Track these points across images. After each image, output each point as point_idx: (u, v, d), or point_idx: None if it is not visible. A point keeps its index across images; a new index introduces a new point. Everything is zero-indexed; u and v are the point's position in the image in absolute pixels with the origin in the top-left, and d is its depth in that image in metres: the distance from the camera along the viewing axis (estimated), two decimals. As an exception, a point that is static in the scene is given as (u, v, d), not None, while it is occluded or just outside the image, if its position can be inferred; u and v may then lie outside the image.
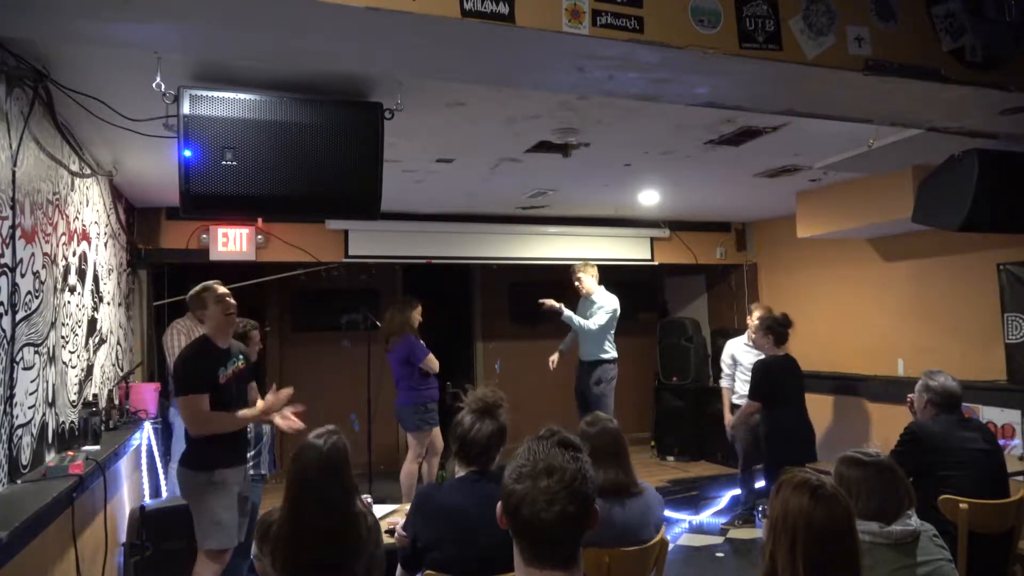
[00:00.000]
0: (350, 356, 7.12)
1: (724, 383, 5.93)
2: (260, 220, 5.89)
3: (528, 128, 3.86)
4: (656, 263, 7.38)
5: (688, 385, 7.81)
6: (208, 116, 2.78)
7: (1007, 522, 3.14)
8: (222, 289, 3.67)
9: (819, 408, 6.14)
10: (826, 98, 3.14)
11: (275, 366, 7.37)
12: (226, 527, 3.41)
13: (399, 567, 2.44)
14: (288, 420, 3.62)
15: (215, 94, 2.80)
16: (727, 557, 5.07)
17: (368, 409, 6.04)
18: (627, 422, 7.67)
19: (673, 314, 8.62)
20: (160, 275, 6.03)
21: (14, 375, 2.51)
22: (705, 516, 5.98)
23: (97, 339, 4.08)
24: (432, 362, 5.53)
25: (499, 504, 1.43)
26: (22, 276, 2.63)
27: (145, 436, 4.66)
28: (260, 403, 3.65)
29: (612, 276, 6.94)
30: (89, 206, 3.92)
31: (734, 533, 5.52)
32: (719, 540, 5.39)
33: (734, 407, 5.74)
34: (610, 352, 5.77)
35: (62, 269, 3.28)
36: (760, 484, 5.70)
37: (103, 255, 4.30)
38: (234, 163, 2.80)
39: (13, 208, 2.55)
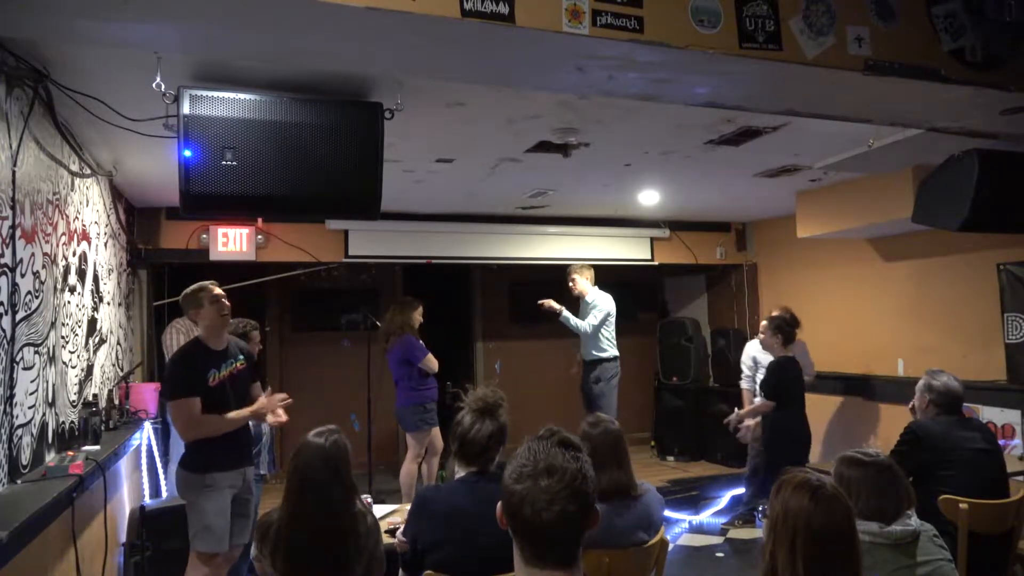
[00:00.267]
0: (350, 356, 7.12)
1: (744, 384, 5.97)
2: (260, 220, 5.89)
3: (528, 128, 3.86)
4: (656, 263, 7.38)
5: (688, 385, 7.81)
6: (208, 116, 2.78)
7: (1007, 522, 3.14)
8: (217, 289, 3.66)
9: (819, 408, 6.15)
10: (826, 98, 3.14)
11: (275, 366, 7.37)
12: (215, 532, 3.39)
13: (400, 570, 2.44)
14: (275, 415, 3.63)
15: (215, 94, 2.80)
16: (727, 557, 5.07)
17: (368, 409, 6.04)
18: (627, 422, 7.65)
19: (673, 314, 8.62)
20: (160, 275, 6.03)
21: (14, 375, 2.51)
22: (705, 516, 5.98)
23: (97, 339, 4.08)
24: (431, 362, 5.53)
25: (499, 504, 1.43)
26: (22, 276, 2.63)
27: (145, 436, 4.66)
28: (251, 407, 3.66)
29: (612, 276, 6.96)
30: (89, 206, 3.92)
31: (734, 533, 5.52)
32: (719, 540, 5.39)
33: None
34: (608, 351, 5.83)
35: (62, 269, 3.28)
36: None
37: (103, 255, 4.30)
38: (234, 163, 2.80)
39: (13, 208, 2.55)
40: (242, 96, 2.84)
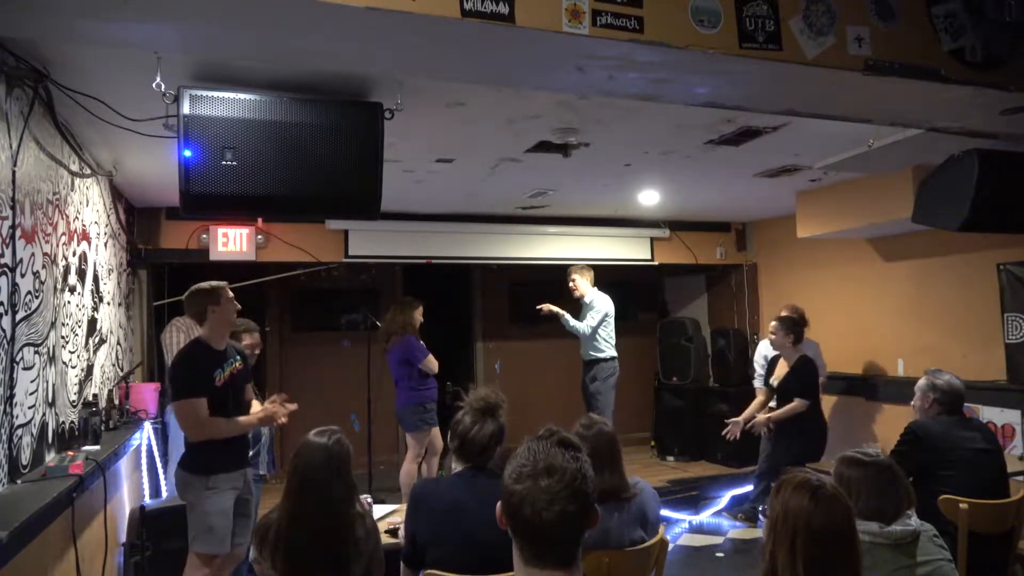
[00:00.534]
0: (350, 356, 7.12)
1: (758, 383, 6.01)
2: (260, 220, 5.89)
3: (528, 128, 3.86)
4: (656, 263, 7.38)
5: (688, 385, 7.81)
6: (208, 116, 2.78)
7: (1007, 522, 3.14)
8: (230, 290, 3.69)
9: (819, 408, 6.14)
10: (826, 98, 3.14)
11: (275, 366, 7.36)
12: (217, 533, 3.39)
13: (402, 567, 2.44)
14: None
15: (215, 94, 2.80)
16: (727, 557, 5.08)
17: (368, 409, 6.04)
18: (627, 422, 7.72)
19: (673, 314, 8.61)
20: (160, 275, 6.03)
21: (14, 375, 2.51)
22: (705, 516, 5.99)
23: (97, 339, 4.08)
24: (431, 363, 5.53)
25: (499, 504, 1.43)
26: (22, 276, 2.63)
27: (145, 436, 4.66)
28: (257, 407, 3.65)
29: (612, 276, 6.97)
30: (89, 206, 3.92)
31: (734, 533, 5.52)
32: (719, 540, 5.39)
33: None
34: (606, 351, 5.90)
35: (62, 269, 3.28)
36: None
37: (103, 255, 4.30)
38: (234, 163, 2.80)
39: (13, 208, 2.55)
40: (242, 96, 2.84)
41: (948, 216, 4.11)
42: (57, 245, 3.19)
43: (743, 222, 7.72)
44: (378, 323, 5.90)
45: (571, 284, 6.02)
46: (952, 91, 2.99)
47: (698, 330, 7.95)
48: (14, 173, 2.56)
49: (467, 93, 3.26)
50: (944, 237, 5.24)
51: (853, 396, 6.36)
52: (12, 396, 2.49)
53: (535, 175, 5.01)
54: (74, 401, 3.46)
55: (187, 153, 2.76)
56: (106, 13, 2.15)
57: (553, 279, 6.47)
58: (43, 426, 2.90)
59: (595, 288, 6.03)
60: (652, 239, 7.31)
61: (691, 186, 5.59)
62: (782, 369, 5.35)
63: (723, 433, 5.38)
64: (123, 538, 4.13)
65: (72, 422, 3.39)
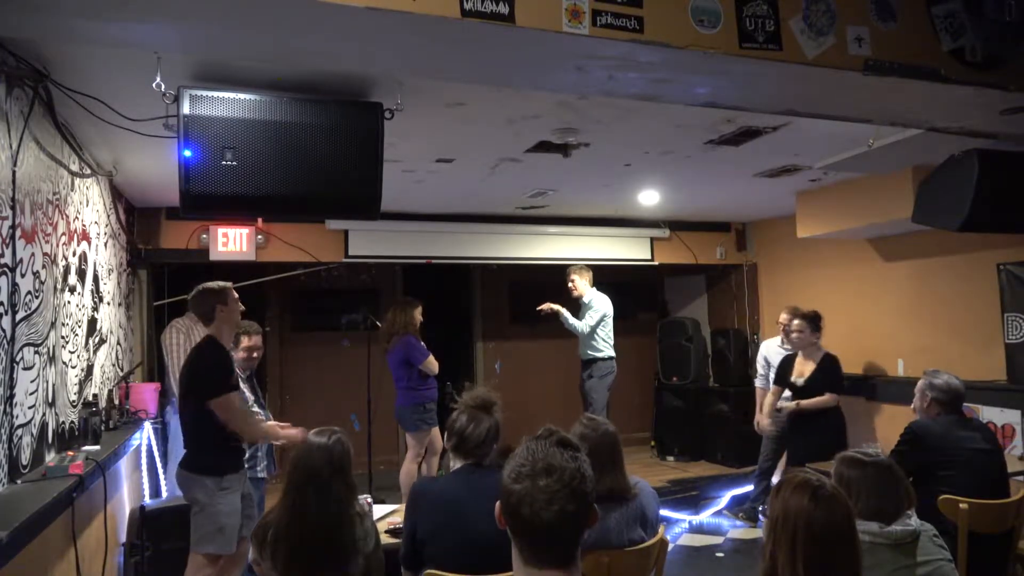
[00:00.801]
0: (350, 356, 7.12)
1: (759, 383, 6.04)
2: (260, 220, 5.89)
3: (528, 128, 3.86)
4: (656, 263, 7.38)
5: (688, 385, 7.81)
6: (208, 116, 2.78)
7: (1007, 522, 3.14)
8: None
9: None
10: (826, 98, 3.13)
11: (275, 366, 7.37)
12: (227, 533, 3.42)
13: (403, 568, 2.45)
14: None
15: (215, 94, 2.80)
16: (727, 557, 5.08)
17: (368, 409, 6.04)
18: (627, 422, 7.71)
19: (673, 314, 8.61)
20: (160, 275, 6.03)
21: (14, 375, 2.51)
22: (705, 516, 5.99)
23: (97, 339, 4.08)
24: (431, 364, 5.53)
25: (498, 504, 1.43)
26: (22, 276, 2.63)
27: (145, 436, 4.67)
28: (290, 430, 3.72)
29: (612, 276, 6.97)
30: (89, 206, 3.92)
31: (734, 533, 5.52)
32: (719, 540, 5.39)
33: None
34: (603, 351, 5.93)
35: (62, 269, 3.28)
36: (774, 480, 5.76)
37: (103, 255, 4.30)
38: (234, 163, 2.80)
39: (13, 208, 2.55)
40: (242, 96, 2.84)
41: (948, 216, 4.11)
42: (57, 245, 3.19)
43: (743, 222, 7.71)
44: (378, 323, 5.90)
45: (570, 284, 6.06)
46: (952, 91, 2.99)
47: (698, 330, 7.95)
48: (14, 173, 2.56)
49: (467, 93, 3.26)
50: (944, 237, 5.24)
51: (853, 396, 6.33)
52: (12, 396, 2.49)
53: (535, 175, 5.01)
54: (74, 401, 3.46)
55: (187, 153, 2.76)
56: (106, 13, 2.15)
57: (553, 279, 6.48)
58: (43, 426, 2.90)
59: (594, 288, 6.07)
60: (652, 239, 7.31)
61: (691, 186, 5.59)
62: (804, 367, 5.34)
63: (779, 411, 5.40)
64: (123, 538, 4.13)
65: (72, 422, 3.39)
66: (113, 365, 4.57)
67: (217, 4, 2.13)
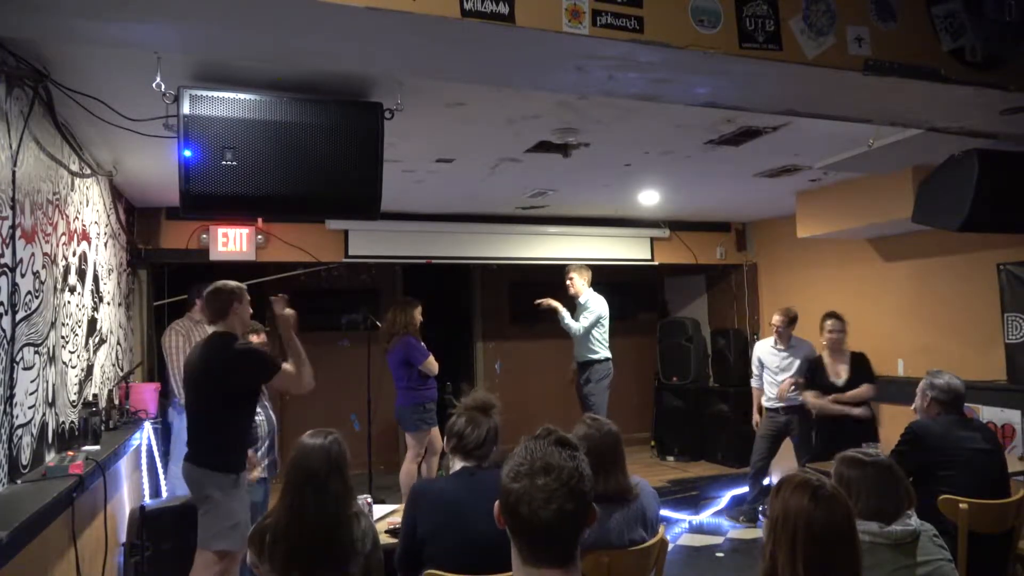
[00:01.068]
0: (350, 356, 7.12)
1: (755, 383, 6.05)
2: (260, 220, 5.89)
3: (528, 128, 3.86)
4: (656, 263, 7.38)
5: (688, 385, 7.81)
6: (208, 116, 2.78)
7: (1007, 522, 3.14)
8: None
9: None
10: (826, 98, 3.14)
11: (275, 366, 7.35)
12: (241, 529, 3.42)
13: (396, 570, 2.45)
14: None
15: (215, 94, 2.80)
16: (727, 557, 5.08)
17: (368, 409, 6.04)
18: (627, 422, 7.69)
19: (673, 314, 8.61)
20: (160, 275, 6.03)
21: (14, 375, 2.51)
22: (705, 516, 5.99)
23: (97, 339, 4.08)
24: (431, 365, 5.53)
25: (497, 503, 1.43)
26: (22, 276, 2.63)
27: (145, 436, 4.66)
28: (288, 311, 3.72)
29: (612, 276, 6.96)
30: (89, 206, 3.92)
31: (734, 533, 5.52)
32: (719, 540, 5.39)
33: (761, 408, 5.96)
34: (599, 353, 5.89)
35: (62, 269, 3.27)
36: (767, 481, 5.78)
37: (103, 255, 4.30)
38: (234, 163, 2.80)
39: (13, 208, 2.55)
40: (242, 96, 2.84)
41: (948, 216, 4.11)
42: (57, 245, 3.19)
43: (743, 222, 7.72)
44: (378, 323, 5.90)
45: (568, 282, 6.02)
46: (952, 91, 2.99)
47: (698, 330, 7.95)
48: (14, 173, 2.56)
49: (467, 93, 3.26)
50: (944, 237, 5.24)
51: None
52: (12, 396, 2.49)
53: (535, 175, 5.01)
54: (74, 401, 3.46)
55: (187, 153, 2.76)
56: (106, 13, 2.15)
57: (553, 279, 6.47)
58: (43, 426, 2.90)
59: (591, 289, 6.03)
60: (652, 239, 7.31)
61: (691, 186, 5.59)
62: (837, 367, 5.36)
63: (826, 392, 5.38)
64: (123, 538, 4.12)
65: (72, 422, 3.39)
66: (113, 365, 4.57)
67: (217, 4, 2.13)
